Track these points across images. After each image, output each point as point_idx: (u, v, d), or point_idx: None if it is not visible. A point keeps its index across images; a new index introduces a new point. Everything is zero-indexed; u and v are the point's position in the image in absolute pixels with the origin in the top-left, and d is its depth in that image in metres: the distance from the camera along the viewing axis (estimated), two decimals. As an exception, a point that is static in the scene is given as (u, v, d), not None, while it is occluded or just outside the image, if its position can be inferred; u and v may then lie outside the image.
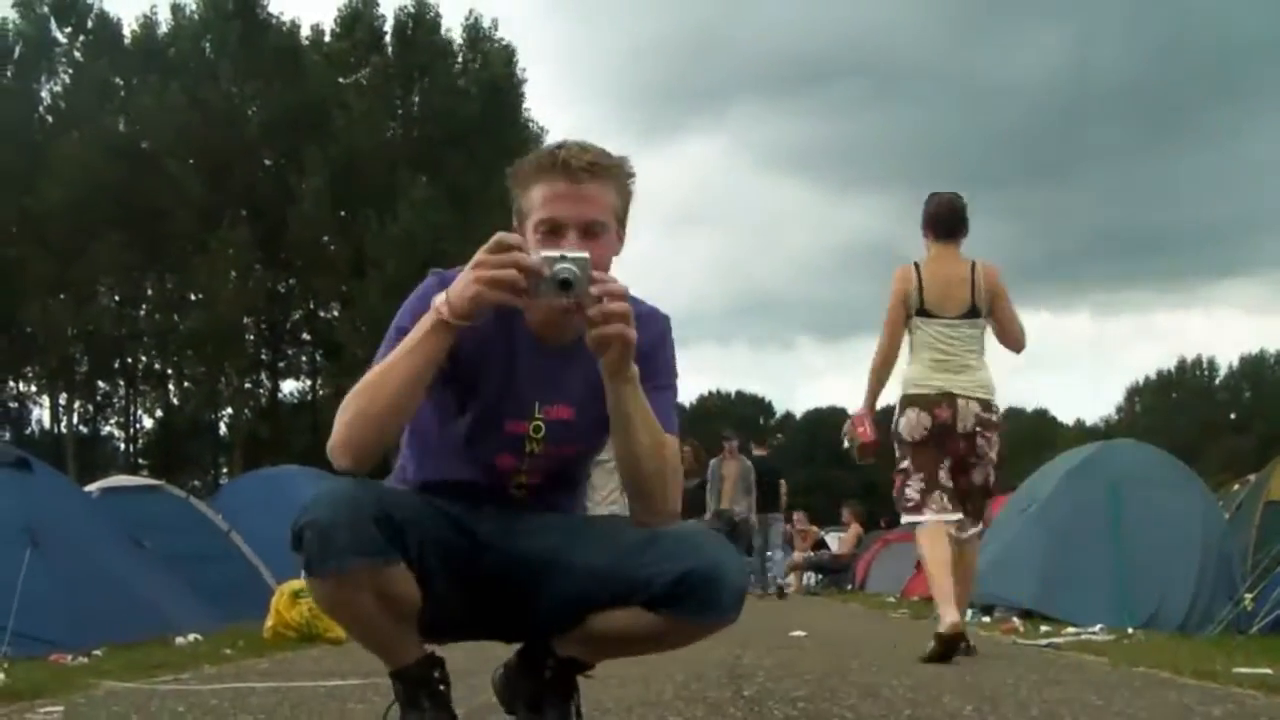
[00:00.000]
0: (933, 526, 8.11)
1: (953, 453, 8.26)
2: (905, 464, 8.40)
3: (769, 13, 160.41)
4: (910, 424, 8.35)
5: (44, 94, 60.09)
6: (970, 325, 8.43)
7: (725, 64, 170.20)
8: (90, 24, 61.08)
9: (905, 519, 8.44)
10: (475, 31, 65.06)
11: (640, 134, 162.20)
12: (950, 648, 7.50)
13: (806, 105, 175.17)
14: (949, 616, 7.48)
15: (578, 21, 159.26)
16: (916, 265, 8.57)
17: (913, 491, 8.24)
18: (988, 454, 8.32)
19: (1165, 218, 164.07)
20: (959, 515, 8.20)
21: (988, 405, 8.28)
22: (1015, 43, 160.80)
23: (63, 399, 62.84)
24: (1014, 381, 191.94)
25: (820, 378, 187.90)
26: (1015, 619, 11.28)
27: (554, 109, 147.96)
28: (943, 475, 8.19)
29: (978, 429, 8.19)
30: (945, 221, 8.71)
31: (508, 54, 64.82)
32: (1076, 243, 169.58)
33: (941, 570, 7.95)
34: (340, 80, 62.58)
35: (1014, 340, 8.66)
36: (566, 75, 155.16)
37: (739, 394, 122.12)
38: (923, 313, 8.43)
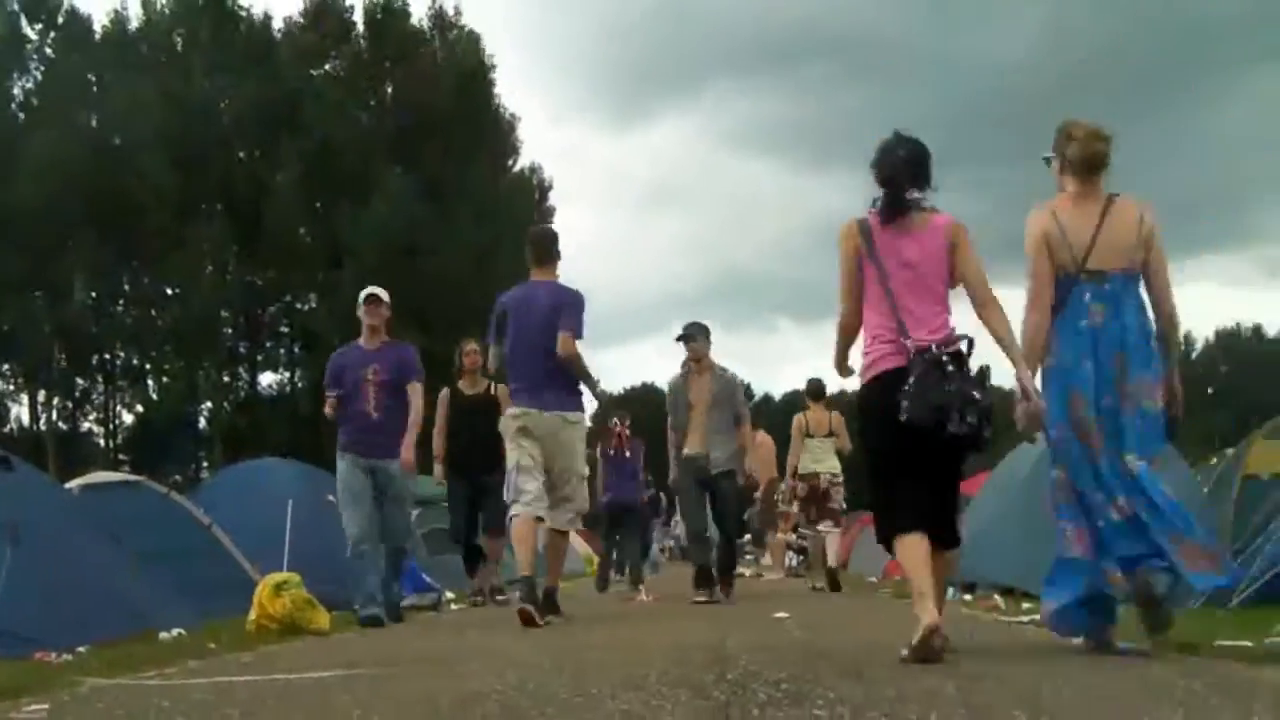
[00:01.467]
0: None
1: None
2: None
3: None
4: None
5: (16, 91, 59.94)
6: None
7: (697, 43, 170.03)
8: (61, 20, 60.96)
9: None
10: (440, 19, 64.95)
11: (612, 114, 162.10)
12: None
13: (778, 84, 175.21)
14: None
15: (548, 2, 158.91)
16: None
17: None
18: None
19: (1142, 191, 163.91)
20: None
21: None
22: (989, 17, 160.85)
23: (41, 396, 62.70)
24: (996, 360, 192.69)
25: (797, 359, 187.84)
26: (996, 596, 11.32)
27: (526, 93, 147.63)
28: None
29: None
30: None
31: (475, 41, 64.74)
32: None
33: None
34: (312, 72, 62.43)
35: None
36: (538, 58, 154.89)
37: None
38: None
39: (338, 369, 12.21)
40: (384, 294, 12.37)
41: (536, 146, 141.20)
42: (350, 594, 11.36)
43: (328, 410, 12.13)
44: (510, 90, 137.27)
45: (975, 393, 6.94)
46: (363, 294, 12.41)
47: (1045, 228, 7.35)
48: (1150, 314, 7.43)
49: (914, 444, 6.95)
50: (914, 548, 6.96)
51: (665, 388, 15.15)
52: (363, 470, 11.64)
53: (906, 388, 6.85)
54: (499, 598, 14.77)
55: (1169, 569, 6.85)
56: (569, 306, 10.98)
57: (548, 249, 11.55)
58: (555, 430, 10.87)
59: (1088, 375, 7.21)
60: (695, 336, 14.49)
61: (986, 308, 7.21)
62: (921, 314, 7.16)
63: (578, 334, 10.93)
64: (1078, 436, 7.21)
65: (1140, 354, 7.30)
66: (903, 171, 7.41)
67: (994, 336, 7.10)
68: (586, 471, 11.55)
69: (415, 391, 12.01)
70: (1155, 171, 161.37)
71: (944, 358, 6.98)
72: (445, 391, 15.83)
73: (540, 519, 10.78)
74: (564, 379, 10.97)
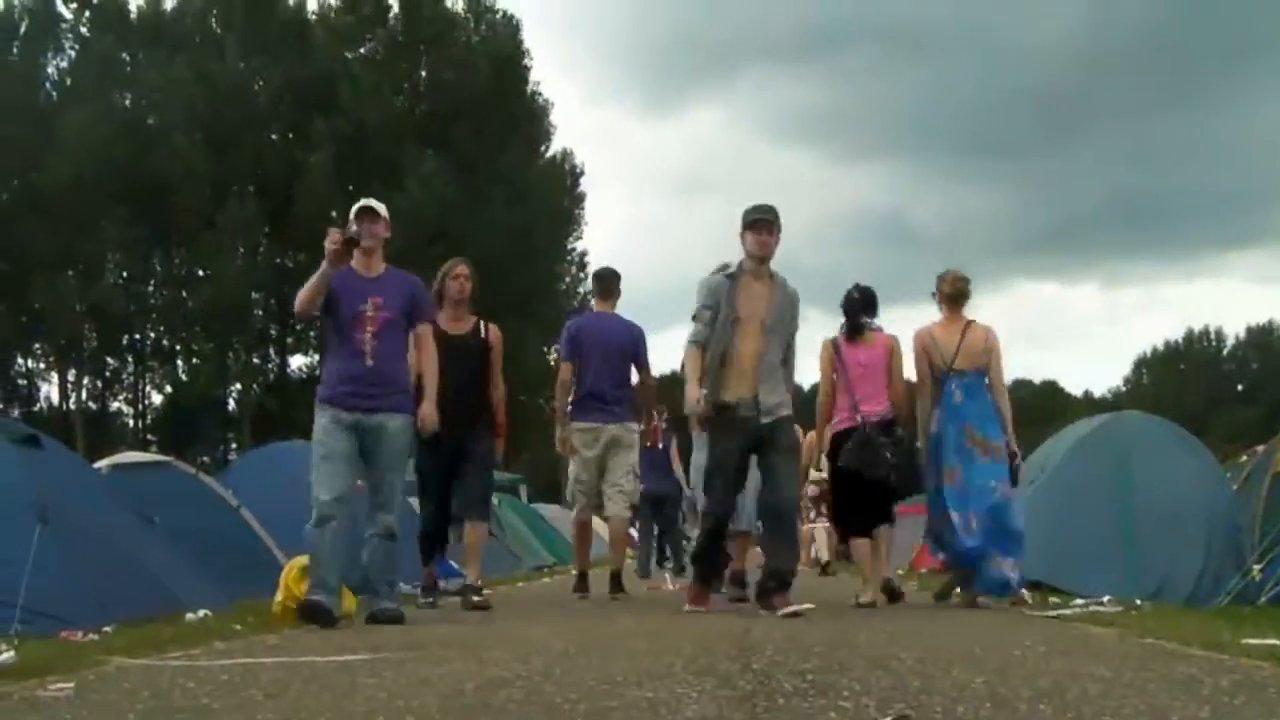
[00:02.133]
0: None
1: None
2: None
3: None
4: None
5: (50, 70, 60.27)
6: None
7: (735, 29, 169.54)
8: (95, 0, 61.04)
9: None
10: (477, 3, 64.90)
11: (648, 100, 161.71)
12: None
13: (814, 72, 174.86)
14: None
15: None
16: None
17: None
18: None
19: (1175, 185, 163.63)
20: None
21: None
22: (1031, 2, 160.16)
23: (71, 375, 62.99)
24: (1023, 354, 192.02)
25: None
26: (1024, 591, 11.28)
27: (561, 76, 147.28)
28: None
29: None
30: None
31: (513, 26, 64.73)
32: (1086, 211, 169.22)
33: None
34: (346, 54, 62.49)
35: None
36: (574, 41, 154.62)
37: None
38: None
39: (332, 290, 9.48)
40: (382, 208, 10.09)
41: (571, 130, 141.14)
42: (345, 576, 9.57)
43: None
44: (546, 73, 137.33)
45: (888, 452, 11.06)
46: (355, 207, 10.08)
47: (925, 342, 11.50)
48: (991, 397, 11.37)
49: (854, 477, 11.20)
50: (862, 547, 11.63)
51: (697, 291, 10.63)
52: (346, 429, 9.32)
53: (849, 444, 11.19)
54: (476, 598, 11.55)
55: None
56: (642, 344, 13.44)
57: (612, 286, 13.81)
58: (619, 436, 13.11)
59: (952, 436, 11.20)
60: (772, 222, 10.53)
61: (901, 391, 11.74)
62: (868, 395, 11.40)
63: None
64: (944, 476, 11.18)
65: (989, 424, 11.26)
66: (858, 308, 11.71)
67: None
68: (637, 469, 13.60)
69: (428, 337, 10.05)
70: (1188, 164, 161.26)
71: (880, 424, 11.25)
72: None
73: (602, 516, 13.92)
74: (627, 399, 13.33)
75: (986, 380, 11.31)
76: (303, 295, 9.49)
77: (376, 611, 9.32)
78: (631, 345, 13.30)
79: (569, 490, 13.91)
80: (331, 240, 9.11)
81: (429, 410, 9.85)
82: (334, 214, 60.31)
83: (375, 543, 9.64)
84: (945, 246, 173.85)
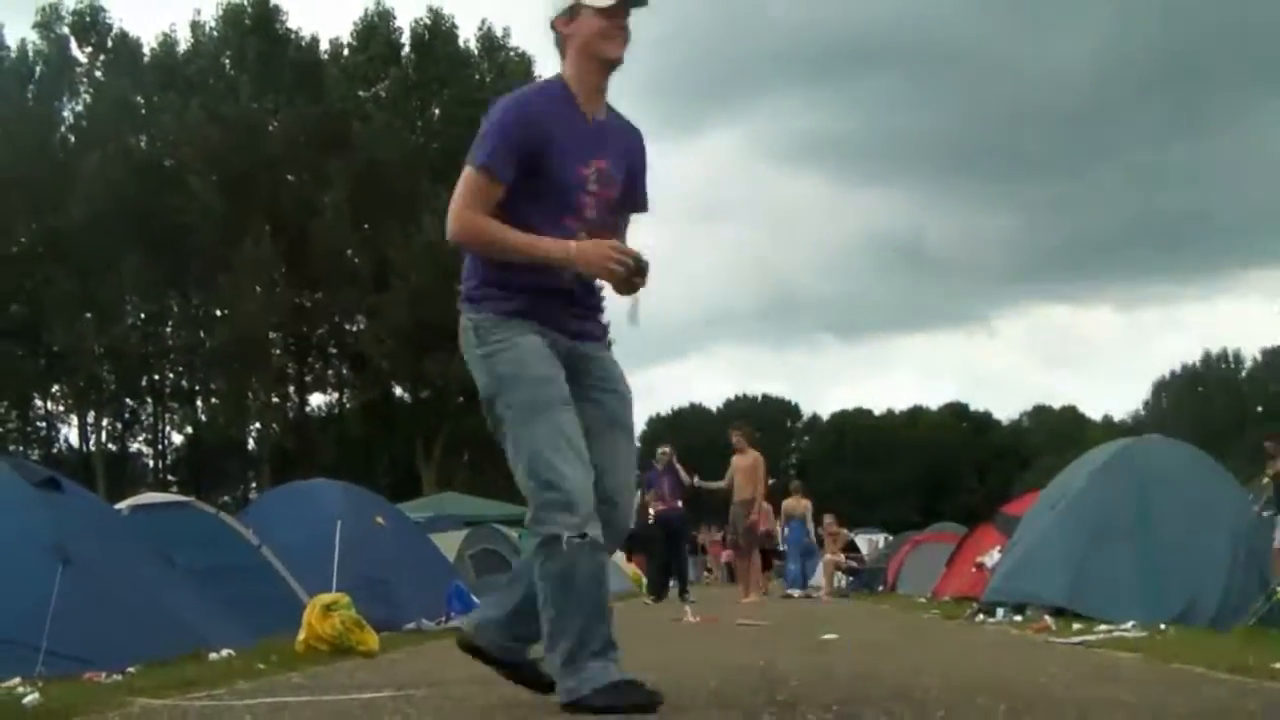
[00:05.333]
0: None
1: None
2: None
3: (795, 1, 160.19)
4: None
5: (66, 113, 60.52)
6: None
7: (750, 56, 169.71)
8: (110, 43, 61.54)
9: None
10: (489, 41, 65.16)
11: (662, 126, 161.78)
12: None
13: (828, 97, 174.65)
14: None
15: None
16: None
17: None
18: None
19: (1188, 206, 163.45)
20: None
21: None
22: (1048, 27, 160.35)
23: (90, 417, 63.13)
24: (1042, 378, 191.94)
25: (844, 377, 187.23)
26: (1047, 617, 11.26)
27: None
28: None
29: None
30: None
31: (525, 64, 64.91)
32: (1099, 233, 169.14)
33: None
34: (360, 93, 62.78)
35: None
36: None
37: (765, 397, 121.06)
38: None
39: (533, 138, 5.41)
40: None
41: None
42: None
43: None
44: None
45: None
46: None
47: None
48: None
49: None
50: None
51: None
52: (561, 358, 5.45)
53: None
54: None
55: None
56: None
57: None
58: None
59: None
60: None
61: None
62: None
63: None
64: None
65: None
66: None
67: None
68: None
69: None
70: (1201, 185, 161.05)
71: None
72: None
73: None
74: None
75: None
76: (488, 237, 5.46)
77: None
78: None
79: None
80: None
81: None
82: (349, 252, 60.65)
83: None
84: (961, 271, 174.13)
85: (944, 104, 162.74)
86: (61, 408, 65.41)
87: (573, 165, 5.41)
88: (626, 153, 5.70)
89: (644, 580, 29.15)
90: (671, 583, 21.89)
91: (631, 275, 5.31)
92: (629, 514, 5.61)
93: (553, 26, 5.54)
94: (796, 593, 25.02)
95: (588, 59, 5.45)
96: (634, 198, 5.80)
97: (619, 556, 34.62)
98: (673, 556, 22.45)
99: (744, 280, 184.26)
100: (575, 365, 5.44)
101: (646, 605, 21.65)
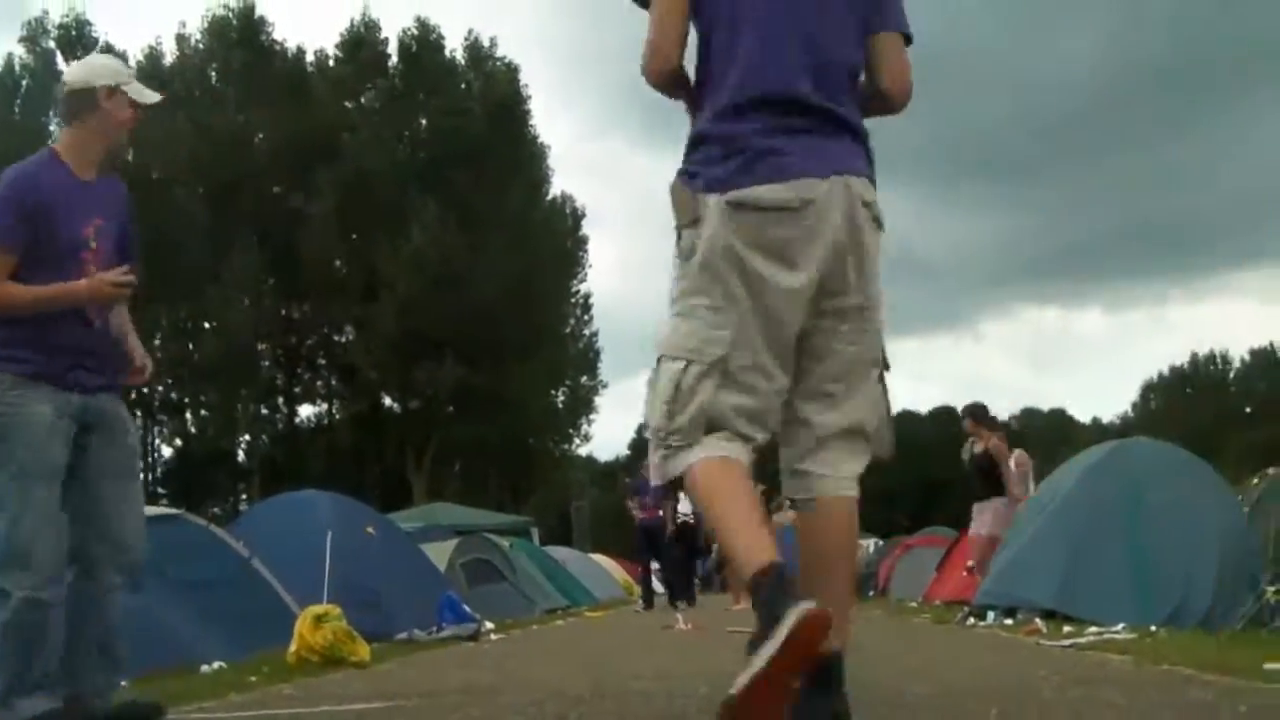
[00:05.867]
0: None
1: None
2: None
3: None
4: None
5: (53, 127, 60.35)
6: None
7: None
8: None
9: None
10: (476, 51, 65.12)
11: (650, 130, 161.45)
12: None
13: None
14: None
15: (584, 14, 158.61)
16: None
17: None
18: None
19: (1175, 207, 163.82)
20: None
21: None
22: (1040, 31, 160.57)
23: (79, 430, 63.05)
24: (1031, 381, 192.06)
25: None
26: (1037, 620, 11.29)
27: (560, 107, 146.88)
28: None
29: None
30: None
31: (511, 72, 64.91)
32: (1087, 235, 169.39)
33: None
34: (347, 104, 62.74)
35: None
36: (575, 71, 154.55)
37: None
38: None
39: (34, 205, 5.77)
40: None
41: (571, 163, 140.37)
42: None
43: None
44: (547, 105, 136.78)
45: None
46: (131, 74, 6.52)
47: None
48: None
49: None
50: None
51: None
52: (69, 420, 5.80)
53: None
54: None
55: None
56: None
57: None
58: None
59: None
60: None
61: None
62: None
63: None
64: None
65: None
66: None
67: None
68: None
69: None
70: (1188, 186, 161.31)
71: None
72: None
73: None
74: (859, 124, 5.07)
75: None
76: (13, 301, 5.76)
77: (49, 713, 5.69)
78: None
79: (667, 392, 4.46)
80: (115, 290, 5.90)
81: (145, 364, 6.33)
82: (337, 262, 60.64)
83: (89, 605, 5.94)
84: (949, 275, 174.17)
85: (932, 108, 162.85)
86: (50, 421, 65.40)
87: (76, 226, 5.86)
88: (118, 207, 6.20)
89: (636, 588, 29.15)
90: (660, 589, 21.90)
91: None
92: (139, 553, 6.02)
93: (82, 90, 6.07)
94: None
95: (103, 135, 6.07)
96: (126, 247, 6.17)
97: (610, 564, 34.47)
98: (661, 563, 22.45)
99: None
100: (90, 420, 5.86)
101: (637, 613, 21.67)
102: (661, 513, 21.82)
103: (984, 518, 15.96)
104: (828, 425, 4.35)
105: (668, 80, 4.44)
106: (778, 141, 4.19)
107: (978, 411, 16.62)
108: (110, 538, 5.87)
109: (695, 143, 4.36)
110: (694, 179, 4.25)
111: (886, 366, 4.48)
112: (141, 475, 6.55)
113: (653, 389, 4.28)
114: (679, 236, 4.28)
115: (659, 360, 4.26)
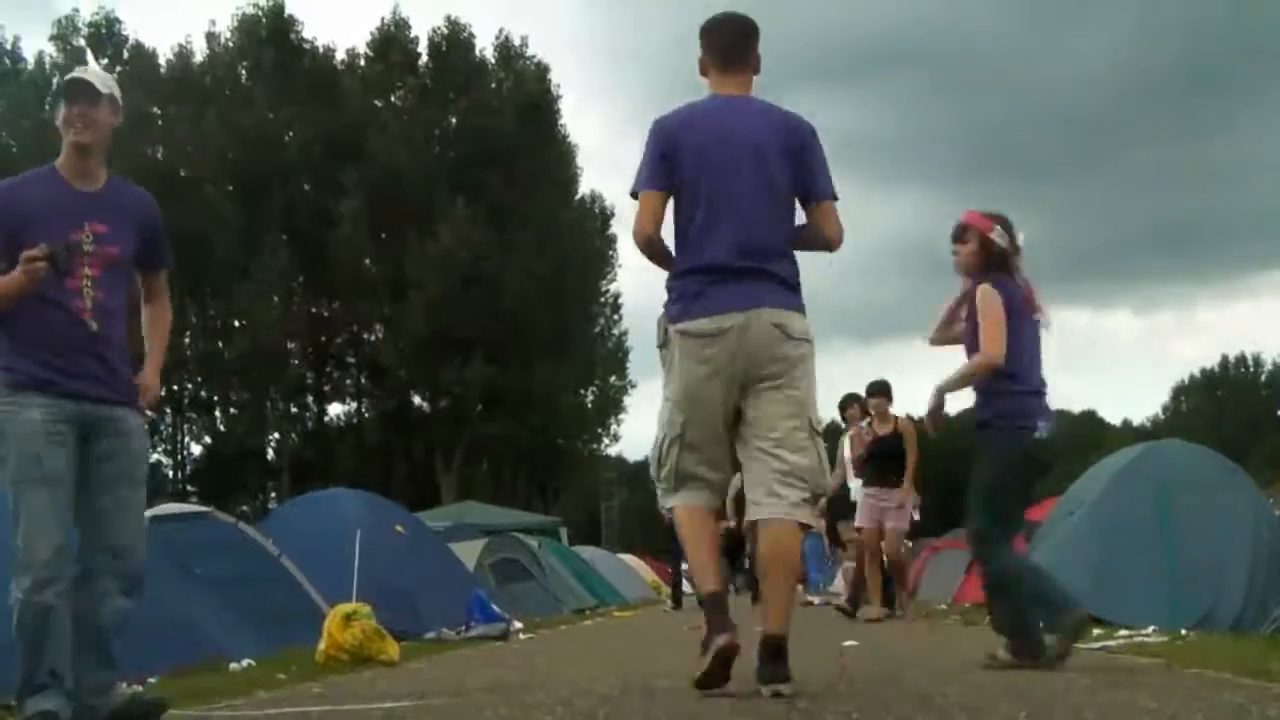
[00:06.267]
0: None
1: None
2: None
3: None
4: None
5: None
6: None
7: (772, 53, 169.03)
8: (126, 55, 61.70)
9: None
10: (507, 50, 65.15)
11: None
12: None
13: (851, 97, 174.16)
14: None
15: (616, 11, 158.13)
16: None
17: None
18: None
19: (1206, 208, 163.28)
20: None
21: None
22: (1070, 30, 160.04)
23: (109, 428, 63.19)
24: (1061, 382, 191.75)
25: (862, 381, 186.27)
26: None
27: (592, 104, 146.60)
28: None
29: None
30: None
31: (541, 72, 64.93)
32: (1118, 235, 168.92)
33: None
34: (376, 103, 62.79)
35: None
36: (605, 70, 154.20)
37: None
38: None
39: (12, 216, 6.03)
40: (104, 82, 6.42)
41: (603, 161, 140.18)
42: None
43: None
44: (580, 101, 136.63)
45: None
46: (66, 78, 6.48)
47: None
48: None
49: None
50: None
51: None
52: (67, 426, 5.91)
53: None
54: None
55: None
56: (808, 148, 6.59)
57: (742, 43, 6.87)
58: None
59: None
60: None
61: None
62: None
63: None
64: None
65: None
66: None
67: None
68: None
69: (163, 290, 6.74)
70: (1219, 186, 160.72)
71: None
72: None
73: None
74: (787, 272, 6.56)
75: None
76: None
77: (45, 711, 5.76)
78: (785, 156, 6.52)
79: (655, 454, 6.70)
80: (31, 270, 5.76)
81: (154, 382, 6.53)
82: (366, 261, 60.68)
83: (92, 611, 6.06)
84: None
85: (964, 107, 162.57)
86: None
87: (62, 231, 5.88)
88: (135, 214, 6.33)
89: (664, 588, 29.11)
90: (689, 590, 21.84)
91: (55, 265, 5.71)
92: (135, 563, 6.12)
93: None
94: (816, 599, 24.94)
95: (66, 140, 6.19)
96: (152, 251, 6.44)
97: (639, 564, 34.43)
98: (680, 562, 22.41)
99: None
100: (90, 428, 5.96)
101: (666, 613, 21.65)
102: None
103: (901, 510, 15.95)
104: (769, 466, 6.30)
105: (646, 248, 6.57)
106: (707, 289, 6.32)
107: (888, 389, 16.45)
108: (107, 546, 6.01)
109: (667, 289, 6.55)
110: (666, 314, 6.48)
111: (814, 426, 6.42)
112: (147, 482, 6.41)
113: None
114: (660, 353, 6.56)
115: None
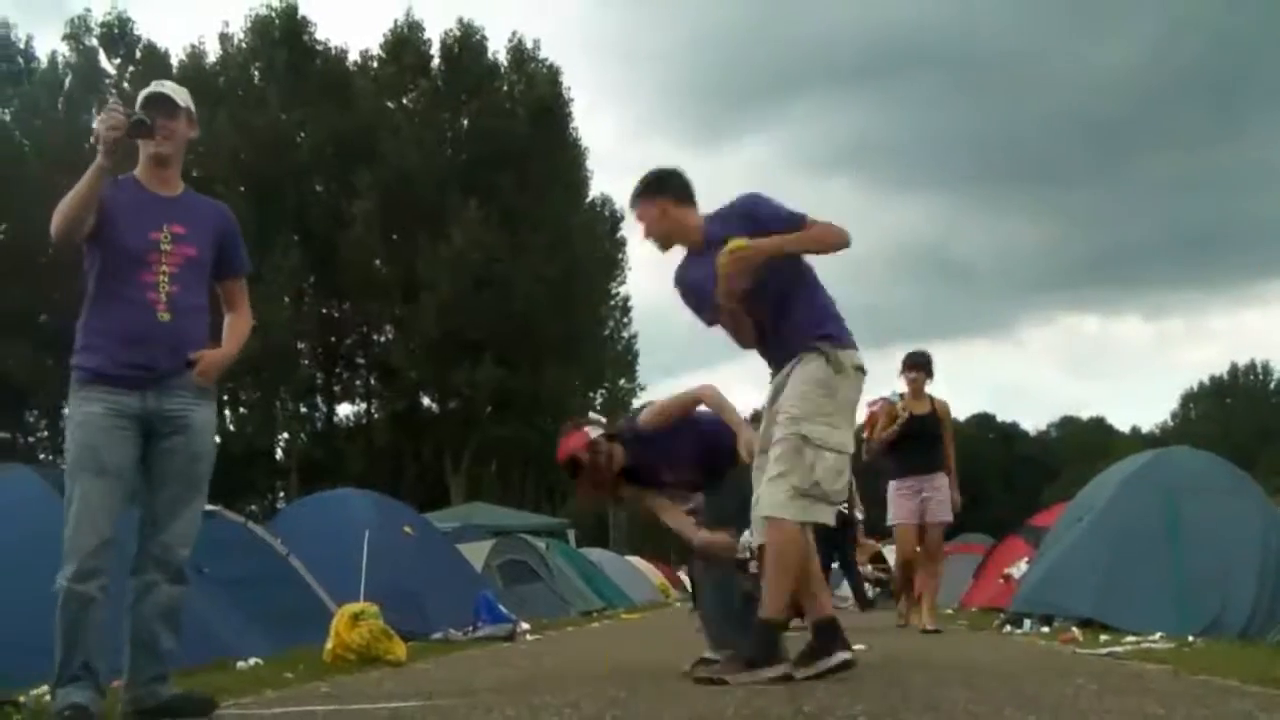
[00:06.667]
0: None
1: None
2: None
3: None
4: None
5: (95, 125, 60.60)
6: None
7: (783, 58, 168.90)
8: (139, 54, 61.73)
9: None
10: (519, 53, 65.20)
11: (696, 130, 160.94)
12: None
13: (862, 101, 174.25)
14: None
15: (630, 14, 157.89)
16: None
17: None
18: None
19: (1216, 215, 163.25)
20: None
21: None
22: (1085, 35, 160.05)
23: (119, 427, 63.25)
24: (1070, 388, 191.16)
25: (869, 386, 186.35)
26: (1074, 629, 11.22)
27: (604, 106, 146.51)
28: None
29: None
30: None
31: (553, 74, 64.96)
32: (1127, 241, 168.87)
33: None
34: (389, 104, 62.84)
35: None
36: (618, 72, 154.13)
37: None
38: None
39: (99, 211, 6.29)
40: (182, 96, 6.90)
41: (614, 163, 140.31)
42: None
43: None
44: (593, 103, 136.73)
45: None
46: (144, 93, 6.84)
47: None
48: None
49: None
50: None
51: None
52: (131, 420, 6.18)
53: None
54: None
55: None
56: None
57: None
58: None
59: None
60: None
61: None
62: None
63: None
64: None
65: None
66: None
67: None
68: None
69: (243, 296, 7.32)
70: (1238, 193, 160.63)
71: None
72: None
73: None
74: None
75: None
76: (63, 208, 6.18)
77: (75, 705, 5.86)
78: None
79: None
80: (112, 122, 6.20)
81: (215, 359, 6.69)
82: (377, 262, 60.70)
83: (142, 605, 6.34)
84: (987, 279, 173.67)
85: (977, 110, 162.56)
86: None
87: (142, 230, 6.31)
88: (212, 221, 6.74)
89: (672, 590, 29.05)
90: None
91: (135, 131, 6.29)
92: (179, 555, 6.34)
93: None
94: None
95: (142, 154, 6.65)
96: (229, 256, 6.88)
97: (647, 567, 34.38)
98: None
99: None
100: (155, 423, 6.24)
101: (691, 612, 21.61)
102: None
103: (945, 501, 14.19)
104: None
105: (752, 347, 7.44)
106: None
107: (929, 362, 14.56)
108: (156, 541, 6.27)
109: (835, 315, 7.36)
110: (837, 341, 7.19)
111: (805, 438, 6.87)
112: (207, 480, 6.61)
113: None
114: (835, 378, 7.09)
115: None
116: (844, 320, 7.22)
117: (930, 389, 14.45)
